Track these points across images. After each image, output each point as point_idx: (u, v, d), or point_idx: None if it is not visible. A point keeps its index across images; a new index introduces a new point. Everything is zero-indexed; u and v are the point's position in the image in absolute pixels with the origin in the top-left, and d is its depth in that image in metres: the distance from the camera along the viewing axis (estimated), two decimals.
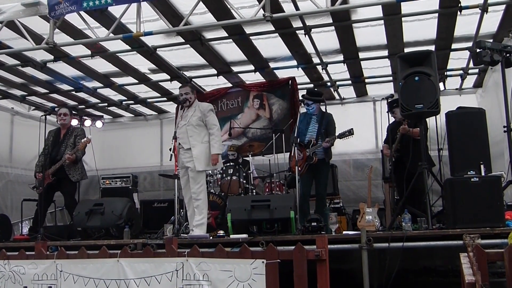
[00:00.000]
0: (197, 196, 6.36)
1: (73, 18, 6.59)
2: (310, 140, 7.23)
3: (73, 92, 9.76)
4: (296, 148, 6.94)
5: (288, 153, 7.94)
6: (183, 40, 7.57)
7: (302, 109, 7.68)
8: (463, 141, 5.68)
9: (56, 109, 10.03)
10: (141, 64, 8.43)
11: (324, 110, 7.52)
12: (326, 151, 7.21)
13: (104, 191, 9.70)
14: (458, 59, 8.43)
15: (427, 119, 6.58)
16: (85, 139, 7.50)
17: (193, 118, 6.53)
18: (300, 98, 7.59)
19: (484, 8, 6.24)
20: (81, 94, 9.96)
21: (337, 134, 7.15)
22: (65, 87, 9.51)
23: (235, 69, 8.95)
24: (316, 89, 8.44)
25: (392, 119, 7.25)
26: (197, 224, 6.29)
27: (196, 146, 6.44)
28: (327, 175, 7.53)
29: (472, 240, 4.61)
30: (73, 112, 10.01)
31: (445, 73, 8.86)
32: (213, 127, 6.54)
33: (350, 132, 7.09)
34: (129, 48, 7.69)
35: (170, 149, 6.56)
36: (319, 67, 8.57)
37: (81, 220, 6.74)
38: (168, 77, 9.03)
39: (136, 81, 9.25)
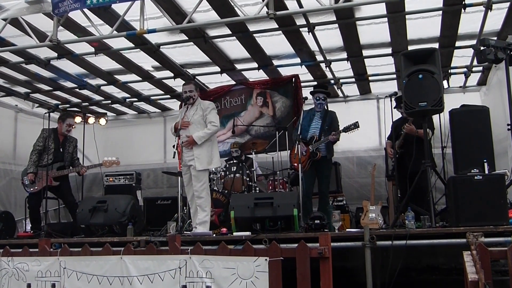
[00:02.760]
0: (199, 194, 6.37)
1: (76, 15, 6.60)
2: (312, 136, 7.22)
3: (77, 90, 9.77)
4: (299, 144, 6.93)
5: (290, 150, 7.93)
6: (187, 38, 7.56)
7: (305, 107, 7.68)
8: (467, 139, 5.67)
9: (61, 107, 10.06)
10: (145, 61, 8.44)
11: (326, 108, 7.52)
12: (328, 148, 7.20)
13: (107, 188, 9.72)
14: (462, 57, 8.40)
15: (433, 118, 6.59)
16: (115, 159, 8.06)
17: (195, 116, 6.53)
18: (311, 91, 7.60)
19: (488, 6, 6.21)
20: (85, 92, 9.98)
21: (342, 128, 7.14)
22: (69, 84, 9.52)
23: (239, 66, 8.94)
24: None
25: (397, 116, 7.23)
26: (200, 222, 6.30)
27: (197, 145, 6.43)
28: (330, 173, 7.52)
29: (476, 238, 4.60)
30: (77, 109, 10.10)
31: (449, 71, 8.83)
32: (211, 123, 6.48)
33: (355, 125, 7.06)
34: (133, 45, 7.69)
35: (173, 146, 6.56)
36: (323, 65, 8.55)
37: (85, 217, 6.75)
38: (172, 74, 9.03)
39: (140, 78, 9.26)
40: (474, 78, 9.49)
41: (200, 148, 6.42)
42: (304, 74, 9.24)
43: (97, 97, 10.40)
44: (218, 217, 7.43)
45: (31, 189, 7.62)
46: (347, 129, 7.09)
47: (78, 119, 9.91)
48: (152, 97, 10.49)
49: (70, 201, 7.86)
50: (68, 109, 10.22)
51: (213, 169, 7.72)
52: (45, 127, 7.75)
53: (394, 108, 7.16)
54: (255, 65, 8.76)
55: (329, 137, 7.06)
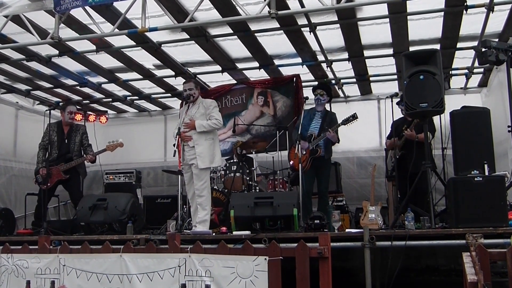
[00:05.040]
0: (200, 193, 6.37)
1: (78, 13, 6.60)
2: (311, 135, 7.22)
3: (78, 87, 9.75)
4: (299, 144, 6.93)
5: (289, 149, 7.92)
6: (188, 36, 7.56)
7: (306, 106, 7.67)
8: (467, 140, 5.66)
9: (61, 103, 10.07)
10: (146, 60, 8.44)
11: (328, 109, 7.51)
12: (326, 148, 7.19)
13: (107, 186, 9.73)
14: (463, 58, 8.41)
15: (434, 120, 6.58)
16: (118, 142, 7.74)
17: (197, 115, 6.53)
18: (315, 85, 7.59)
19: (490, 7, 6.22)
20: (86, 89, 9.96)
21: (341, 121, 7.14)
22: (70, 82, 9.51)
23: (240, 66, 8.94)
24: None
25: (397, 116, 7.22)
26: (200, 221, 6.30)
27: (199, 144, 6.43)
28: (329, 173, 7.52)
29: (475, 239, 4.61)
30: (77, 107, 10.08)
31: (450, 72, 8.81)
32: (215, 119, 6.50)
33: (354, 117, 7.06)
34: (134, 43, 7.69)
35: (174, 145, 6.56)
36: (324, 65, 8.55)
37: (85, 215, 6.75)
38: (173, 73, 9.02)
39: (141, 76, 9.26)
40: (475, 80, 9.50)
41: (202, 146, 6.43)
42: (305, 74, 9.23)
43: (98, 95, 10.40)
44: (218, 216, 7.42)
45: (44, 186, 7.60)
46: (346, 121, 7.09)
47: (79, 117, 9.91)
48: (153, 96, 10.50)
49: (76, 197, 7.80)
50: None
51: (213, 168, 7.70)
52: (45, 124, 7.75)
53: (396, 104, 7.15)
54: (256, 64, 8.76)
55: (326, 133, 7.05)
